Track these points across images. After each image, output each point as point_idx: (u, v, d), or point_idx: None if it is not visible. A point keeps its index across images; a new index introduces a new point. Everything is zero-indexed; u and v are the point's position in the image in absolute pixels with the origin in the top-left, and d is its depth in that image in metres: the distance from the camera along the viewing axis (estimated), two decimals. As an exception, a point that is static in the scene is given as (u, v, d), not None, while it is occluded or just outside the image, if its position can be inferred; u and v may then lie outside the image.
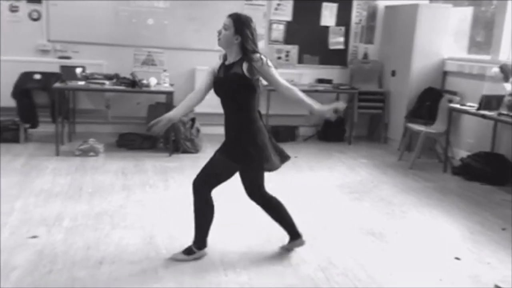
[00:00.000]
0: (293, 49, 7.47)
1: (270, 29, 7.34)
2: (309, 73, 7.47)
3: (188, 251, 3.33)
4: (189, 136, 6.18)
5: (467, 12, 6.97)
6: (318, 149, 6.91)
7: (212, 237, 3.41)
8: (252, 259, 3.39)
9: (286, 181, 5.23)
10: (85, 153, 5.74)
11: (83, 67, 6.19)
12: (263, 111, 6.85)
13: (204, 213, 3.30)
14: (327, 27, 7.50)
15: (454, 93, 6.59)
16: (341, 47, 7.61)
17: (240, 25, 3.09)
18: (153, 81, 6.03)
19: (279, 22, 7.36)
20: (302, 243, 3.55)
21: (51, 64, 6.42)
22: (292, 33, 7.39)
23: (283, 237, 3.61)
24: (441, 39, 6.93)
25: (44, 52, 6.64)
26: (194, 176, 3.27)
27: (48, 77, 6.18)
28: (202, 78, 3.33)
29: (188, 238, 3.36)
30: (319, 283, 3.13)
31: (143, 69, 6.81)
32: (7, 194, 4.33)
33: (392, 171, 5.92)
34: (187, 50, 7.02)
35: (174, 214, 4.12)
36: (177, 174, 5.24)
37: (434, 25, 6.85)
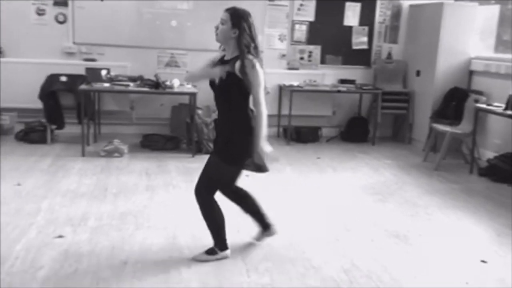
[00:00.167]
0: (316, 50, 7.44)
1: (293, 29, 7.32)
2: (332, 74, 7.43)
3: (210, 252, 3.34)
4: (212, 137, 6.20)
5: (493, 10, 6.84)
6: (341, 149, 6.86)
7: (234, 238, 3.41)
8: (274, 260, 3.38)
9: (309, 182, 5.22)
10: (110, 154, 5.82)
11: (108, 69, 6.28)
12: (285, 111, 7.02)
13: (212, 218, 3.30)
14: (350, 27, 7.46)
15: (480, 93, 6.47)
16: (365, 47, 7.56)
17: (238, 19, 3.04)
18: (176, 82, 6.08)
19: (301, 22, 7.34)
20: (274, 232, 3.54)
21: (77, 67, 6.52)
22: (314, 33, 7.37)
23: (307, 239, 3.59)
24: (467, 38, 6.83)
25: (70, 54, 6.75)
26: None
27: (74, 79, 6.28)
28: (200, 65, 3.33)
29: (210, 238, 3.37)
30: (342, 285, 3.10)
31: (167, 71, 6.87)
32: (34, 194, 4.41)
33: (417, 172, 5.84)
34: (209, 51, 6.96)
35: (197, 214, 4.09)
36: (199, 175, 5.26)
37: (460, 24, 6.75)
